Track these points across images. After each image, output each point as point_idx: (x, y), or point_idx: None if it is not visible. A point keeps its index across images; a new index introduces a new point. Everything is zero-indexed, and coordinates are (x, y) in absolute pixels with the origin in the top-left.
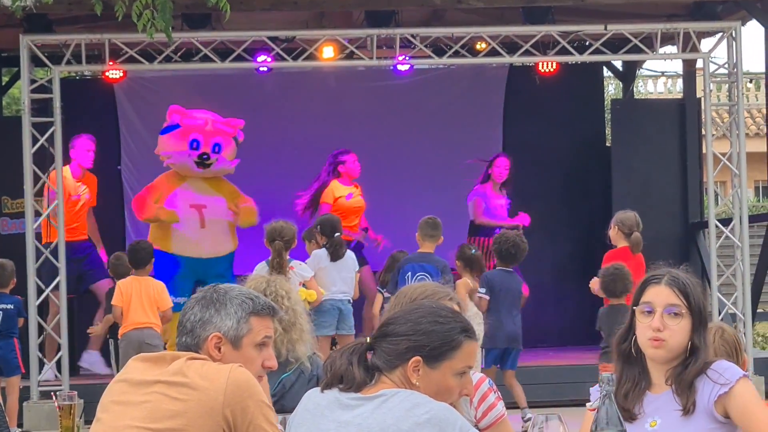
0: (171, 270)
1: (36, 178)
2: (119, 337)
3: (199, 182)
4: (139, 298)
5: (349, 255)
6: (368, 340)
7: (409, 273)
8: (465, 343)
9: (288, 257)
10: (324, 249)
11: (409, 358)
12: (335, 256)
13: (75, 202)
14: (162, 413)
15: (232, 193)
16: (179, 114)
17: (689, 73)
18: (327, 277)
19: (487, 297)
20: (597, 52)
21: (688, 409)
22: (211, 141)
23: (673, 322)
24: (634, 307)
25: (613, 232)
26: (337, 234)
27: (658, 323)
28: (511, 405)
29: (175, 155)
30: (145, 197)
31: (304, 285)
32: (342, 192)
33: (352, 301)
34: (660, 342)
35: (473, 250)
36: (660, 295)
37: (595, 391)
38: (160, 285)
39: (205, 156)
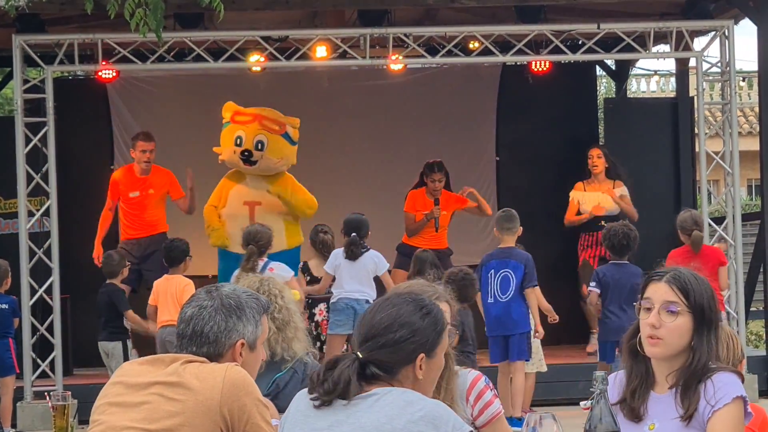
0: (231, 267)
1: (29, 178)
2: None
3: (258, 179)
4: (165, 297)
5: (370, 256)
6: (359, 354)
7: (492, 271)
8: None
9: (264, 259)
10: (339, 249)
11: (414, 358)
12: (350, 255)
13: (133, 199)
14: (160, 414)
15: (289, 187)
16: (232, 111)
17: (682, 71)
18: (340, 276)
19: (598, 290)
20: (590, 51)
21: (689, 416)
22: (254, 138)
23: (670, 320)
24: (635, 303)
25: (680, 236)
26: (353, 234)
27: (655, 320)
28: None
29: (225, 152)
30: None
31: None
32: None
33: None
34: (656, 340)
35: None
36: (658, 291)
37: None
38: (185, 282)
39: (247, 152)
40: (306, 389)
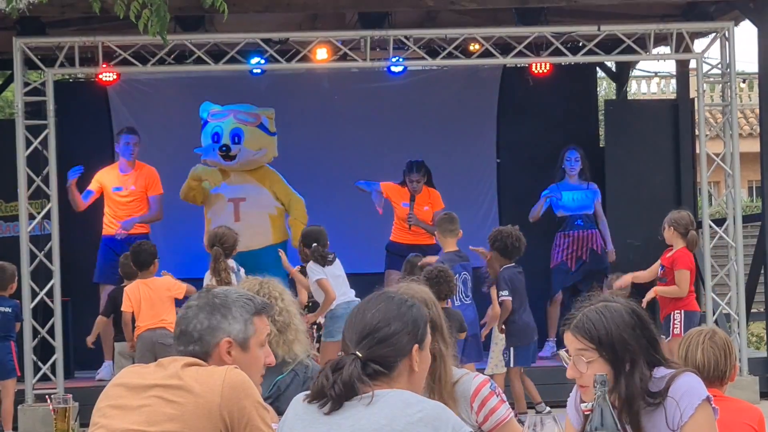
0: None
1: (30, 181)
2: (134, 339)
3: (241, 175)
4: (148, 300)
5: (336, 260)
6: (359, 354)
7: (457, 275)
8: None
9: (228, 262)
10: (312, 261)
11: (410, 348)
12: (324, 262)
13: (119, 195)
14: (160, 417)
15: (275, 184)
16: (207, 110)
17: (682, 73)
18: (330, 285)
19: (510, 297)
20: (590, 52)
21: None
22: (231, 132)
23: (584, 368)
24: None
25: (668, 233)
26: (315, 244)
27: (572, 372)
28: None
29: (204, 151)
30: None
31: None
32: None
33: None
34: (584, 388)
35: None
36: (569, 341)
37: (571, 400)
38: (166, 280)
39: (225, 147)
40: (302, 394)
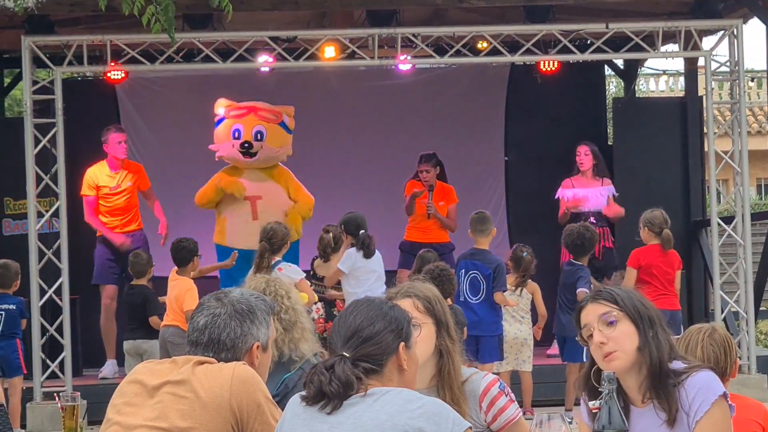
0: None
1: (38, 179)
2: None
3: (256, 173)
4: (169, 296)
5: (377, 253)
6: (345, 354)
7: (462, 271)
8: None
9: (277, 258)
10: (354, 248)
11: (396, 346)
12: (367, 253)
13: (115, 194)
14: (173, 413)
15: (289, 182)
16: (225, 106)
17: (691, 71)
18: (362, 275)
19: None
20: (598, 50)
21: (673, 419)
22: (253, 129)
23: (611, 330)
24: (576, 338)
25: (644, 234)
26: (362, 231)
27: (599, 336)
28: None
29: (222, 147)
30: (203, 190)
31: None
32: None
33: None
34: (611, 354)
35: (524, 253)
36: (590, 313)
37: (583, 407)
38: (187, 286)
39: (247, 144)
40: (299, 394)
